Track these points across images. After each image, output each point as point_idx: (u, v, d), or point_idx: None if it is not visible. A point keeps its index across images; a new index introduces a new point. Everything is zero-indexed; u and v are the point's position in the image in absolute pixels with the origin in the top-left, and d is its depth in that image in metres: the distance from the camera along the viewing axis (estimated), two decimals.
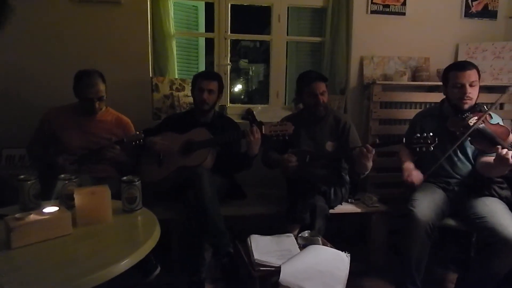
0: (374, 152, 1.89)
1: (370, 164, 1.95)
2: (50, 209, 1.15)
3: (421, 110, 2.39)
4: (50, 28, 2.41)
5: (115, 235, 1.21)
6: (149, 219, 1.31)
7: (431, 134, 1.83)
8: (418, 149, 1.85)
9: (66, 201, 1.36)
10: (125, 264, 0.99)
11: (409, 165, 2.07)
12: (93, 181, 1.96)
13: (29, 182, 1.39)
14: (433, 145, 1.82)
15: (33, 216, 1.09)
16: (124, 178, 1.39)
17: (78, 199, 1.21)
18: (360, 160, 1.92)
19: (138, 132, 2.03)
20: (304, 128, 2.20)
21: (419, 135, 1.86)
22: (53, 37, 2.42)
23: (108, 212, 1.25)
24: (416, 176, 1.97)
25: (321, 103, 2.11)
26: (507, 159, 1.64)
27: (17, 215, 1.09)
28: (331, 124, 2.19)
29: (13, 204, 1.66)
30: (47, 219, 1.10)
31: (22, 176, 1.41)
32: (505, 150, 1.66)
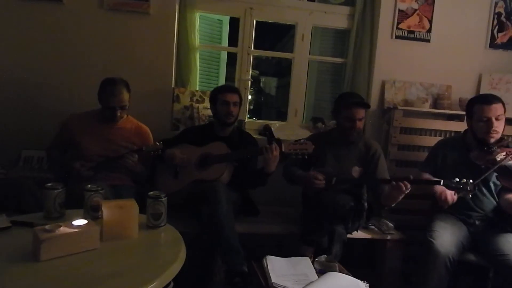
0: (410, 187, 1.81)
1: (400, 198, 1.87)
2: (79, 221, 1.14)
3: (443, 138, 2.38)
4: (76, 33, 2.44)
5: (141, 254, 1.19)
6: (174, 238, 1.29)
7: (471, 181, 1.72)
8: (456, 193, 1.80)
9: (91, 213, 1.35)
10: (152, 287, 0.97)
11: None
12: (109, 188, 1.96)
13: (55, 191, 1.39)
14: (472, 193, 1.74)
15: (63, 229, 1.08)
16: (151, 193, 1.38)
17: (106, 212, 1.20)
18: (395, 194, 1.85)
19: (157, 143, 2.04)
20: (331, 149, 2.14)
21: (458, 179, 1.74)
22: (79, 43, 2.45)
23: (135, 227, 1.24)
24: (450, 195, 1.86)
25: (356, 129, 2.05)
26: None
27: (46, 227, 1.08)
28: (361, 150, 2.12)
29: (30, 207, 1.68)
30: (77, 232, 1.09)
31: (49, 184, 1.41)
32: None
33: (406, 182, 1.80)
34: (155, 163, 2.17)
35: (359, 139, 2.14)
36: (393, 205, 1.96)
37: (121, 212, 1.22)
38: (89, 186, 1.42)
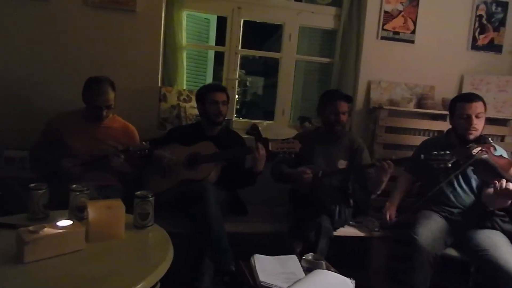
0: (393, 167, 1.92)
1: (386, 180, 1.98)
2: (64, 222, 1.12)
3: (427, 138, 2.43)
4: (63, 32, 2.40)
5: (128, 254, 1.18)
6: (161, 237, 1.28)
7: (448, 152, 1.82)
8: (436, 165, 1.85)
9: (76, 213, 1.33)
10: None
11: (392, 202, 2.18)
12: (95, 189, 1.93)
13: (39, 192, 1.36)
14: (450, 162, 1.82)
15: (47, 230, 1.06)
16: (138, 193, 1.37)
17: (92, 213, 1.18)
18: (380, 176, 1.95)
19: (144, 143, 2.02)
20: (318, 145, 2.22)
21: (436, 152, 1.84)
22: (64, 41, 2.41)
23: (122, 228, 1.23)
24: (390, 215, 2.13)
25: (341, 122, 2.14)
26: (509, 190, 1.67)
27: (30, 228, 1.06)
28: (345, 144, 2.22)
29: (13, 208, 1.64)
30: (62, 233, 1.07)
31: (32, 185, 1.38)
32: (504, 182, 1.69)
33: (389, 161, 1.91)
34: (143, 163, 2.15)
35: (344, 134, 2.23)
36: (379, 192, 2.05)
37: (107, 212, 1.21)
38: (74, 186, 1.40)
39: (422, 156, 1.88)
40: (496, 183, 1.72)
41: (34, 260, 1.02)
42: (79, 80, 2.05)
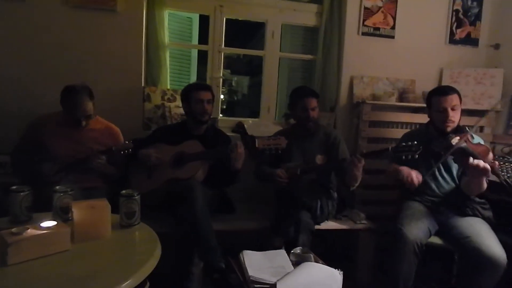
0: (363, 162, 1.97)
1: (360, 174, 2.03)
2: (48, 223, 1.10)
3: (408, 131, 2.48)
4: (42, 32, 2.35)
5: (115, 253, 1.17)
6: (148, 235, 1.28)
7: (415, 142, 1.88)
8: (404, 157, 1.90)
9: (61, 214, 1.31)
10: (126, 285, 0.96)
11: (405, 167, 2.04)
12: (79, 191, 1.90)
13: (21, 194, 1.34)
14: (418, 152, 1.87)
15: (30, 231, 1.05)
16: (123, 191, 1.36)
17: (77, 213, 1.17)
18: (352, 170, 1.99)
19: (127, 142, 2.00)
20: (295, 142, 2.24)
21: (404, 144, 1.91)
22: (44, 42, 2.36)
23: (107, 227, 1.22)
24: (416, 176, 1.96)
25: (311, 117, 2.19)
26: (479, 168, 1.72)
27: (13, 230, 1.04)
28: (321, 139, 2.26)
29: None
30: (46, 234, 1.06)
31: (14, 187, 1.35)
32: (472, 159, 1.75)
33: (358, 156, 1.97)
34: (128, 162, 2.13)
35: (319, 129, 2.28)
36: (356, 184, 2.11)
37: (92, 212, 1.19)
38: (58, 187, 1.38)
39: (389, 148, 1.94)
40: (469, 162, 1.76)
41: (18, 262, 1.01)
42: (60, 81, 2.02)
